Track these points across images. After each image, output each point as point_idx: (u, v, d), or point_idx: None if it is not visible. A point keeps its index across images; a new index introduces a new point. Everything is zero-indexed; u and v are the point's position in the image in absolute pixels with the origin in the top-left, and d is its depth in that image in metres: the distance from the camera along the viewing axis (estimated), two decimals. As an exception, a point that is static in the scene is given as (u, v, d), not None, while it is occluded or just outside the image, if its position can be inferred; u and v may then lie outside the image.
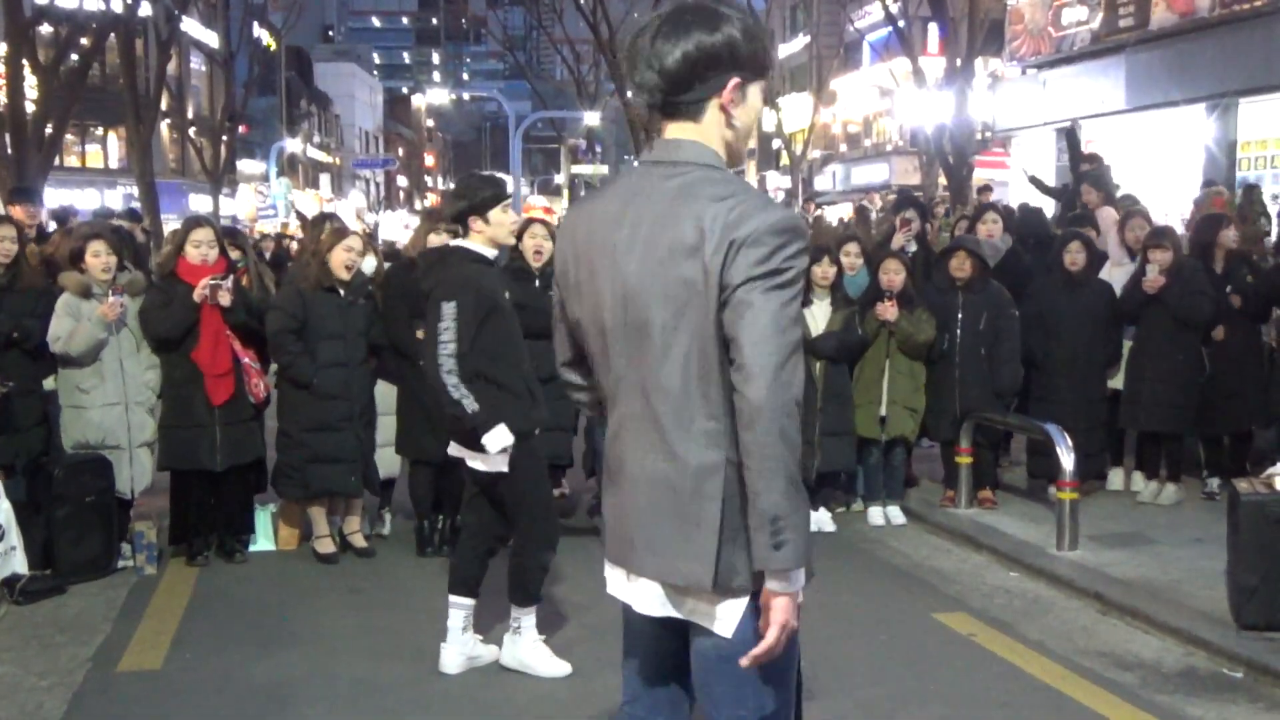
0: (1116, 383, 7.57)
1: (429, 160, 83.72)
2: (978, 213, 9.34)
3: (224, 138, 33.61)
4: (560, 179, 64.97)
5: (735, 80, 2.36)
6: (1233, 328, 7.35)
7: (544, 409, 4.89)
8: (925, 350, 7.18)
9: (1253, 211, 10.16)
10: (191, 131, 35.94)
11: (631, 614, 2.53)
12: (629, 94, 31.75)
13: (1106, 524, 6.94)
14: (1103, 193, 9.67)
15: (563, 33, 38.60)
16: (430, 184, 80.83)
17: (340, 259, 6.34)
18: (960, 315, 7.22)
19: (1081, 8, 18.85)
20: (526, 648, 4.86)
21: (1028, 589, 6.12)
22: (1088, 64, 18.68)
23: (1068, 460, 6.38)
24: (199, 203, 33.24)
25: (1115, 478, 7.87)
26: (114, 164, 35.51)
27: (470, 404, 4.56)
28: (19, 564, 5.84)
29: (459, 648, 4.88)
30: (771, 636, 2.27)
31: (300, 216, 23.04)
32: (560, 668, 4.84)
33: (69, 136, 29.05)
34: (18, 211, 8.79)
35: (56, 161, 19.48)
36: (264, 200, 35.95)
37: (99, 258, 6.24)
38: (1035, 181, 12.20)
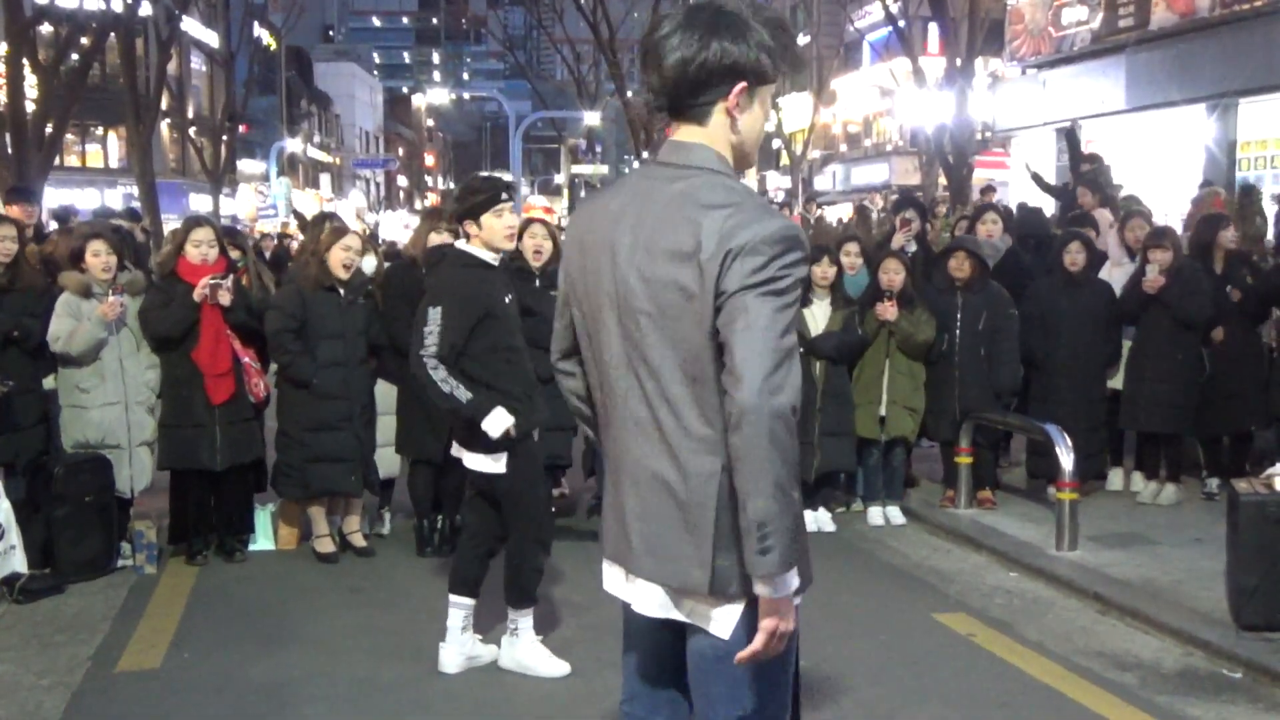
0: (1116, 383, 7.58)
1: (429, 160, 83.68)
2: (977, 213, 9.33)
3: (224, 137, 33.66)
4: (560, 179, 65.05)
5: (742, 85, 2.34)
6: (1232, 328, 7.36)
7: (543, 410, 4.89)
8: (925, 350, 7.18)
9: (1251, 211, 10.14)
10: (192, 131, 35.98)
11: (631, 612, 2.53)
12: (629, 94, 31.85)
13: (1106, 524, 6.95)
14: (1099, 195, 9.67)
15: (563, 32, 38.56)
16: (430, 184, 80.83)
17: (338, 258, 6.35)
18: (960, 315, 7.22)
19: (1082, 8, 18.86)
20: (525, 649, 4.86)
21: (1027, 589, 6.12)
22: (1088, 64, 18.69)
23: (1067, 460, 6.38)
24: (199, 202, 33.25)
25: (1115, 478, 7.87)
26: (114, 164, 35.52)
27: (462, 393, 4.55)
28: (19, 563, 5.83)
29: (458, 647, 4.88)
30: (758, 641, 2.27)
31: (299, 216, 23.04)
32: (559, 668, 4.84)
33: (69, 136, 29.06)
34: (14, 211, 8.78)
35: (57, 161, 19.45)
36: (264, 200, 35.87)
37: (99, 257, 6.24)
38: (1036, 178, 12.18)
